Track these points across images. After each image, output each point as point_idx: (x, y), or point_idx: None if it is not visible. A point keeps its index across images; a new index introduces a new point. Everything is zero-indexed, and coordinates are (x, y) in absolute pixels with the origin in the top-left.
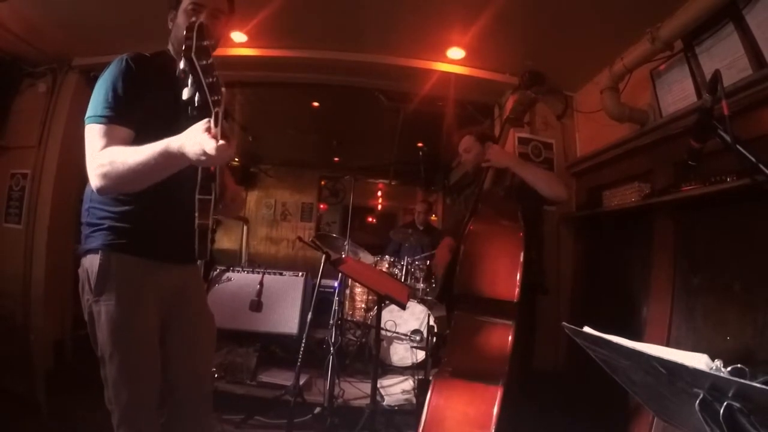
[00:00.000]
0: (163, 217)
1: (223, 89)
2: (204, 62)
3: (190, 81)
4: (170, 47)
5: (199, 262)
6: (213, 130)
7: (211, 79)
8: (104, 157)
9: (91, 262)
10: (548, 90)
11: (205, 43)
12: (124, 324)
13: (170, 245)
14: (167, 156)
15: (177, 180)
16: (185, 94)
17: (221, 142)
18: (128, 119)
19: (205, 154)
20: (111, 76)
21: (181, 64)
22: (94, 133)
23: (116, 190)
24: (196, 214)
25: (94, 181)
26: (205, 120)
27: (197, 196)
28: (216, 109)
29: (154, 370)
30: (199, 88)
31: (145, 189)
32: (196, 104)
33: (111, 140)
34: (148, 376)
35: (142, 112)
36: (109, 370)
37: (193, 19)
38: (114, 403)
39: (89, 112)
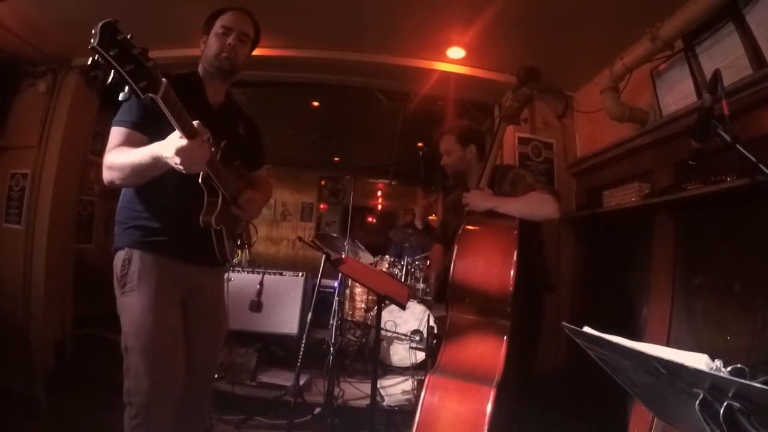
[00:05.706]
0: (181, 219)
1: (163, 80)
2: (114, 51)
3: (112, 73)
4: (200, 68)
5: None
6: (180, 133)
7: (130, 67)
8: (112, 154)
9: (118, 259)
10: (545, 86)
11: (119, 37)
12: (145, 313)
13: (187, 246)
14: (156, 158)
15: (194, 186)
16: (109, 81)
17: (186, 141)
18: (147, 128)
19: (177, 152)
20: None
21: (90, 61)
22: (114, 134)
23: (120, 184)
24: (202, 212)
25: (103, 174)
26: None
27: (206, 199)
28: (148, 95)
29: (176, 363)
30: (121, 78)
31: (168, 193)
32: (126, 94)
33: (125, 142)
34: (170, 367)
35: (165, 128)
36: (132, 359)
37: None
38: (133, 395)
39: (116, 117)
